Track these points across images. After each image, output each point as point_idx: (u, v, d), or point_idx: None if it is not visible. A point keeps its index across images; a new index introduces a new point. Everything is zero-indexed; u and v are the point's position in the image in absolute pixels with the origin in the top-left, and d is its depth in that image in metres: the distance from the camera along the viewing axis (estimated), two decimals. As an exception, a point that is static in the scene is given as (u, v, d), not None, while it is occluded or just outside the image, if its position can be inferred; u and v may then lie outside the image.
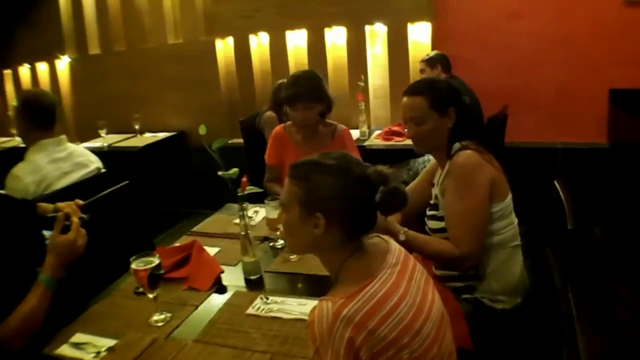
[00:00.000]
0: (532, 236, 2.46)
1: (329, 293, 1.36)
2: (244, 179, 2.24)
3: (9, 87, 6.80)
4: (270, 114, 4.22)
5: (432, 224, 2.15)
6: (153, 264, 1.78)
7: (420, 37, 4.63)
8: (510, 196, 2.11)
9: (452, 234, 2.02)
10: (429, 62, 4.10)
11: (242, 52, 5.24)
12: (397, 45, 4.63)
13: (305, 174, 1.42)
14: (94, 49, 5.97)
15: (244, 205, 2.18)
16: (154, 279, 1.79)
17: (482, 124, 3.83)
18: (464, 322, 1.94)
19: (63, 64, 6.26)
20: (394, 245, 1.50)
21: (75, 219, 1.89)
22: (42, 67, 6.45)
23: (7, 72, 6.79)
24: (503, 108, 4.01)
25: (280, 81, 4.38)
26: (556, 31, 4.32)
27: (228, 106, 5.36)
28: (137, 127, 5.38)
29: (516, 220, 2.16)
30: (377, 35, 4.79)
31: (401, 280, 1.38)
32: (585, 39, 4.27)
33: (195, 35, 5.39)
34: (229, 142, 3.44)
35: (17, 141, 6.19)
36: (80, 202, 2.07)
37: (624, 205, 3.96)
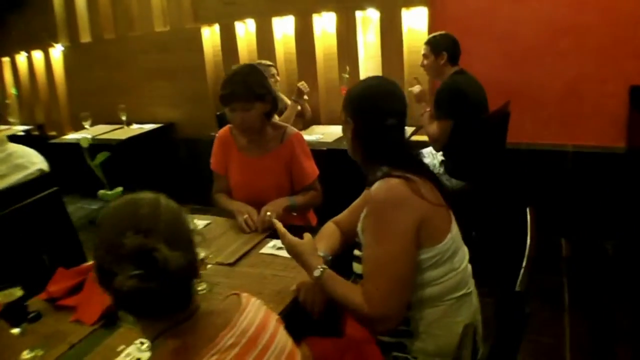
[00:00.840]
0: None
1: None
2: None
3: (7, 75, 6.69)
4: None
5: (356, 267, 1.77)
6: (13, 298, 1.57)
7: (415, 23, 4.17)
8: (450, 236, 1.65)
9: (364, 287, 1.60)
10: (434, 47, 3.49)
11: (228, 40, 4.89)
12: (391, 33, 4.16)
13: None
14: (86, 37, 5.75)
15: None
16: (16, 313, 1.59)
17: (486, 127, 3.38)
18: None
19: (57, 52, 6.07)
20: (247, 314, 1.17)
21: None
22: (38, 56, 6.30)
23: (5, 60, 6.67)
24: (504, 105, 3.54)
25: (256, 62, 4.09)
26: (566, 18, 3.78)
27: (215, 97, 5.00)
28: (123, 118, 5.19)
29: (464, 264, 1.71)
30: (369, 21, 4.35)
31: None
32: (600, 27, 3.71)
33: (181, 23, 5.07)
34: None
35: (15, 130, 6.12)
36: None
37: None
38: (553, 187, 3.93)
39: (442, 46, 3.46)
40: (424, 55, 3.55)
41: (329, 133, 4.11)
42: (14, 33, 6.34)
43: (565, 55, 3.83)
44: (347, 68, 4.18)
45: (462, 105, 3.29)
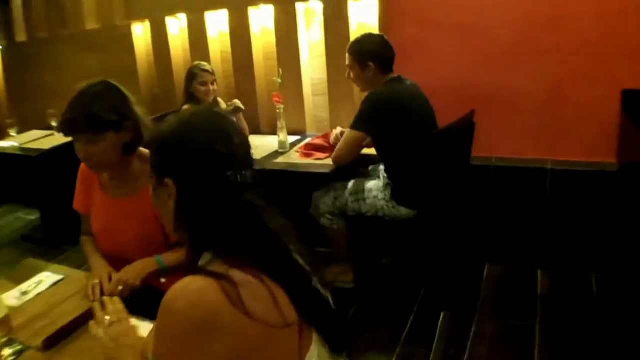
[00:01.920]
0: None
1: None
2: None
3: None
4: (186, 108, 3.32)
5: None
6: None
7: (365, 16, 3.47)
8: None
9: None
10: (358, 56, 2.83)
11: (160, 37, 4.25)
12: (336, 28, 3.47)
13: None
14: (22, 36, 5.16)
15: None
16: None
17: (437, 143, 2.70)
18: None
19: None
20: None
21: None
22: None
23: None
24: (468, 115, 2.85)
25: (194, 64, 3.48)
26: (548, 10, 3.05)
27: (149, 102, 4.38)
28: (53, 124, 4.57)
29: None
30: (313, 15, 3.66)
31: None
32: (587, 21, 2.99)
33: (112, 20, 4.43)
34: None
35: None
36: None
37: (634, 247, 2.75)
38: (529, 210, 3.24)
39: (367, 55, 2.80)
40: (349, 66, 2.89)
41: (264, 146, 3.45)
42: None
43: (546, 53, 3.11)
44: (280, 71, 3.50)
45: (383, 118, 2.68)
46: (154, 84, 4.37)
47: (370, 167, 3.17)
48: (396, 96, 2.71)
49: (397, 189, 2.77)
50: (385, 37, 2.87)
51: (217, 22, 3.97)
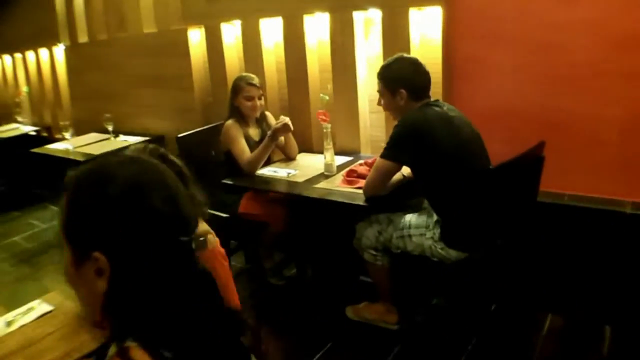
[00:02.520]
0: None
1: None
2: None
3: (20, 73, 6.30)
4: (229, 123, 3.25)
5: None
6: None
7: (427, 28, 3.16)
8: None
9: None
10: (388, 82, 2.57)
11: (215, 44, 4.09)
12: (396, 40, 3.17)
13: None
14: (83, 37, 5.16)
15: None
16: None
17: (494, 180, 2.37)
18: None
19: (60, 52, 5.55)
20: None
21: None
22: (44, 54, 5.84)
23: (18, 57, 6.28)
24: (537, 146, 2.49)
25: (240, 76, 3.35)
26: (633, 26, 2.65)
27: (202, 110, 4.23)
28: (109, 128, 4.55)
29: None
30: (371, 24, 3.38)
31: None
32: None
33: (168, 24, 4.31)
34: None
35: (22, 130, 5.79)
36: None
37: None
38: (601, 257, 2.82)
39: (398, 80, 2.54)
40: (379, 93, 2.63)
41: (311, 166, 3.20)
42: (22, 29, 5.97)
43: (631, 77, 2.69)
44: (329, 87, 3.24)
45: (412, 144, 2.42)
46: (208, 93, 4.20)
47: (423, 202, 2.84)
48: (426, 120, 2.43)
49: (447, 228, 2.46)
50: (419, 60, 2.60)
51: (272, 30, 3.75)
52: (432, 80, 3.04)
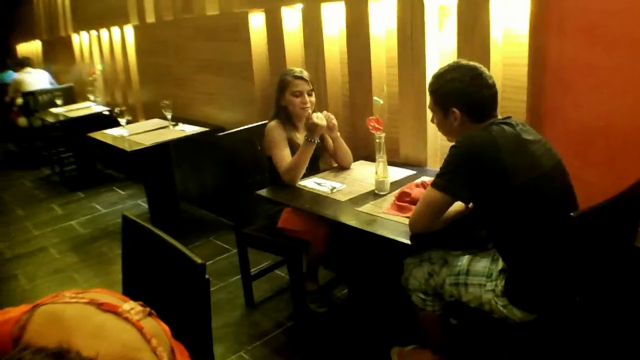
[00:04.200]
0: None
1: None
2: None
3: (95, 50, 6.22)
4: (272, 125, 2.89)
5: None
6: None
7: (513, 21, 2.58)
8: None
9: None
10: (438, 98, 2.06)
11: (275, 30, 3.67)
12: (473, 34, 2.61)
13: None
14: (150, 17, 4.92)
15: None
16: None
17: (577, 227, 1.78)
18: None
19: (130, 31, 5.37)
20: None
21: None
22: (116, 33, 5.70)
23: (94, 34, 6.21)
24: (639, 181, 1.90)
25: (286, 70, 2.98)
26: None
27: (262, 102, 3.85)
28: (168, 115, 4.32)
29: None
30: (446, 14, 2.83)
31: None
32: None
33: (230, 6, 3.94)
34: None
35: (93, 109, 5.76)
36: None
37: None
38: None
39: (449, 97, 2.01)
40: (430, 109, 2.11)
41: (364, 180, 2.74)
42: (96, 6, 5.88)
43: None
44: (384, 88, 2.74)
45: (471, 174, 1.89)
46: (268, 83, 3.80)
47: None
48: (494, 143, 1.87)
49: (513, 281, 1.93)
50: (481, 68, 2.02)
51: (337, 16, 3.28)
52: (517, 86, 2.51)
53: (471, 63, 2.03)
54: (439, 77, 2.05)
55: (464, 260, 2.11)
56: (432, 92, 2.09)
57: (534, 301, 1.92)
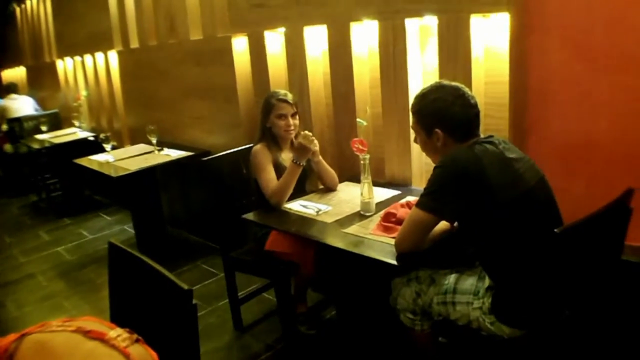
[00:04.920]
0: None
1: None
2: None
3: (80, 76, 6.23)
4: (257, 148, 2.87)
5: None
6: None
7: (494, 38, 2.62)
8: None
9: None
10: (421, 118, 2.08)
11: (258, 54, 3.70)
12: (455, 52, 2.64)
13: None
14: (134, 43, 4.95)
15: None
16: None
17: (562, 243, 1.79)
18: None
19: (114, 56, 5.40)
20: None
21: None
22: (100, 58, 5.72)
23: (78, 60, 6.23)
24: (624, 194, 1.92)
25: (271, 92, 3.04)
26: None
27: (248, 127, 3.85)
28: (153, 140, 4.31)
29: None
30: (428, 34, 2.87)
31: None
32: None
33: (214, 30, 3.97)
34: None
35: (78, 135, 5.74)
36: None
37: None
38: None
39: (432, 117, 2.03)
40: (413, 129, 2.13)
41: (351, 201, 2.74)
42: (80, 32, 5.91)
43: None
44: (367, 109, 2.77)
45: (456, 192, 1.90)
46: (253, 106, 3.82)
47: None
48: (477, 162, 1.88)
49: (500, 298, 1.94)
50: (464, 88, 2.03)
51: (319, 39, 3.32)
52: (500, 103, 2.54)
53: (453, 83, 2.05)
54: (421, 97, 2.07)
55: (451, 278, 2.11)
56: (414, 113, 2.10)
57: (521, 317, 1.93)
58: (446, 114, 1.99)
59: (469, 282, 2.07)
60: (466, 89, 2.03)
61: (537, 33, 2.43)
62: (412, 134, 2.24)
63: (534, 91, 2.45)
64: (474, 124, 2.02)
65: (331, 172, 2.93)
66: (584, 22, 2.29)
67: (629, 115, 2.25)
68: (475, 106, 2.02)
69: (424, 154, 2.80)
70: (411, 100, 2.77)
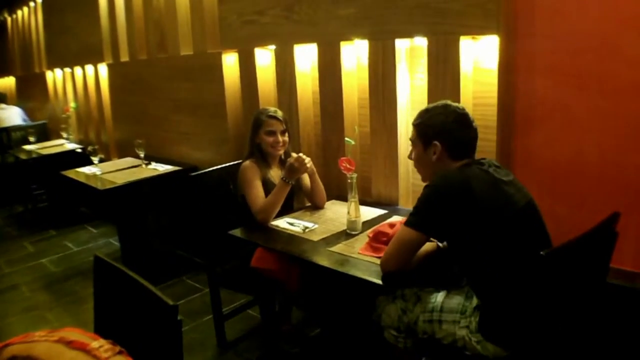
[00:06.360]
0: None
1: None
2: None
3: (69, 88, 6.22)
4: (246, 164, 2.86)
5: None
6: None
7: (482, 60, 2.66)
8: None
9: None
10: (421, 130, 2.09)
11: (248, 71, 3.71)
12: (444, 73, 2.68)
13: None
14: (124, 56, 4.95)
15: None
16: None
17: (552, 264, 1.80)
18: None
19: (104, 69, 5.40)
20: None
21: None
22: (90, 70, 5.71)
23: (68, 72, 6.22)
24: (610, 218, 1.94)
25: (260, 109, 3.04)
26: None
27: (236, 143, 3.86)
28: (141, 154, 4.29)
29: None
30: (419, 56, 2.91)
31: None
32: None
33: (204, 47, 3.99)
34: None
35: (66, 147, 5.72)
36: None
37: None
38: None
39: (434, 130, 2.04)
40: (411, 142, 2.13)
41: (336, 220, 2.74)
42: (70, 44, 5.91)
43: None
44: (356, 128, 2.79)
45: (445, 212, 1.91)
46: (242, 122, 3.83)
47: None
48: (466, 183, 1.90)
49: (487, 317, 1.95)
50: (467, 111, 2.09)
51: (309, 58, 3.34)
52: (488, 125, 2.57)
53: (459, 105, 2.09)
54: (425, 112, 2.11)
55: (438, 297, 2.12)
56: (416, 125, 2.12)
57: (508, 337, 1.93)
58: (447, 127, 2.02)
59: (456, 300, 2.07)
60: (469, 113, 2.08)
61: (525, 56, 2.47)
62: (401, 154, 2.28)
63: (521, 115, 2.47)
64: (471, 145, 2.06)
65: (322, 191, 2.94)
66: (573, 47, 2.33)
67: (615, 140, 2.28)
68: (475, 129, 2.06)
69: (411, 174, 2.85)
70: (399, 120, 2.84)
